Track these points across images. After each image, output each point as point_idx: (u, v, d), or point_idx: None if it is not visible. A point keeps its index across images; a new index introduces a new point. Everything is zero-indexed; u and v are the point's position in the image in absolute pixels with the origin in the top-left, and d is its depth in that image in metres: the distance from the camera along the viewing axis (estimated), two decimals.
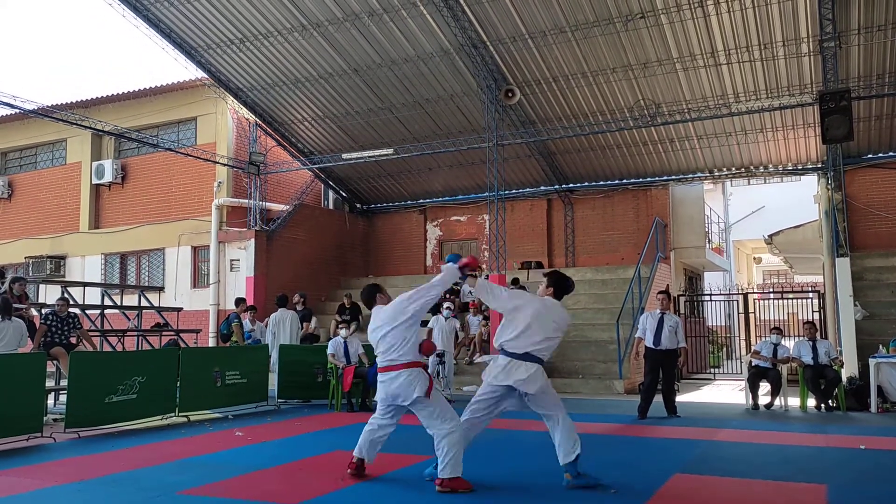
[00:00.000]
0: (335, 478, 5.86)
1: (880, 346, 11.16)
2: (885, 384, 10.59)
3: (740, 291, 18.84)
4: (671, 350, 9.79)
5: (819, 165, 15.94)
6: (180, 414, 9.48)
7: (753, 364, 11.19)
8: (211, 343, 16.86)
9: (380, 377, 5.65)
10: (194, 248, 18.54)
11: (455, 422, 5.48)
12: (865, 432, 8.53)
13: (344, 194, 20.83)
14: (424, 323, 15.30)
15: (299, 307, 14.14)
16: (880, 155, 15.55)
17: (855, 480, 5.73)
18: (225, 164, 17.67)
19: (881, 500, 5.11)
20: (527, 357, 5.42)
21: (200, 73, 16.45)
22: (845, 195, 15.06)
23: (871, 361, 10.59)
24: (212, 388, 10.03)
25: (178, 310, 15.21)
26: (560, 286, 5.78)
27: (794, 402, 11.03)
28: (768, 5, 12.13)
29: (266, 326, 12.93)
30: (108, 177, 19.35)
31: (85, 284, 15.07)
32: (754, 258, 29.87)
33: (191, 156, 17.05)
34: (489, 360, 5.72)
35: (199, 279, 18.52)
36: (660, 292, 10.33)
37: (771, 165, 16.76)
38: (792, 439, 7.94)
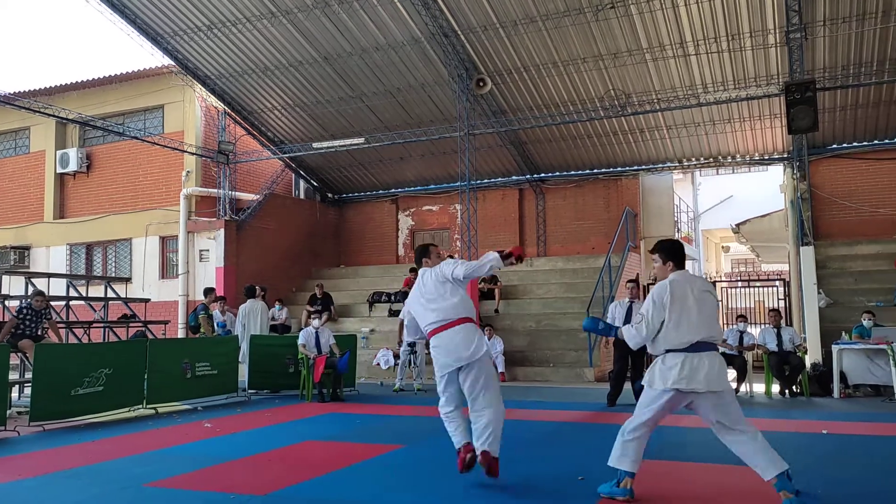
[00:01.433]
0: (305, 468, 5.84)
1: (843, 333, 11.40)
2: (848, 370, 10.82)
3: (709, 280, 19.09)
4: None
5: (785, 155, 16.20)
6: (148, 406, 9.38)
7: (720, 351, 11.35)
8: (180, 334, 16.67)
9: (433, 341, 5.25)
10: (162, 239, 18.28)
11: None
12: (828, 417, 8.73)
13: (315, 184, 20.68)
14: (395, 313, 15.33)
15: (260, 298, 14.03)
16: (844, 145, 15.84)
17: (817, 464, 5.86)
18: (193, 153, 17.42)
19: (842, 483, 5.23)
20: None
21: (167, 61, 16.17)
22: (810, 185, 15.33)
23: (835, 348, 10.82)
24: (181, 380, 9.92)
25: (146, 301, 15.01)
26: (674, 254, 4.78)
27: (759, 388, 11.24)
28: None
29: (237, 317, 12.83)
30: (72, 166, 18.99)
31: (50, 275, 14.76)
32: (723, 247, 30.28)
33: (158, 144, 16.78)
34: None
35: (167, 270, 18.29)
36: (629, 281, 10.42)
37: (738, 155, 16.98)
38: (757, 425, 8.00)
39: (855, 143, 15.73)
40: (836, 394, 10.67)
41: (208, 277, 17.01)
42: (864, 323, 10.99)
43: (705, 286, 4.70)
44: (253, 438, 7.45)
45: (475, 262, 5.30)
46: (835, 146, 15.88)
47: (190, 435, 7.68)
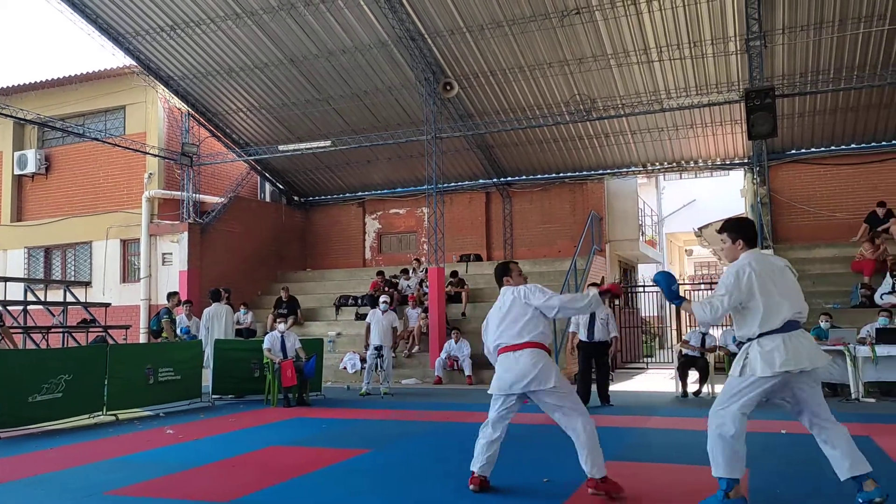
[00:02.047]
0: (270, 474, 5.78)
1: None
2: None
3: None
4: (603, 341, 10.02)
5: (746, 161, 16.53)
6: (108, 413, 9.20)
7: (683, 353, 11.55)
8: (142, 339, 16.38)
9: (499, 360, 5.04)
10: (124, 242, 17.96)
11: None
12: (787, 417, 8.83)
13: (281, 186, 20.51)
14: (362, 317, 15.27)
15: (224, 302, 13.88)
16: (802, 151, 16.22)
17: (776, 464, 5.97)
18: (156, 155, 17.15)
19: (801, 482, 5.34)
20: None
21: (129, 61, 15.92)
22: (770, 189, 15.67)
23: None
24: (143, 386, 9.75)
25: (107, 305, 14.74)
26: (744, 231, 4.45)
27: (721, 389, 11.42)
28: (697, 4, 12.48)
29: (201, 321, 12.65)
30: (31, 167, 18.55)
31: (6, 279, 14.43)
32: (686, 250, 30.77)
33: (119, 146, 16.47)
34: None
35: (128, 273, 17.97)
36: (590, 284, 10.49)
37: (701, 160, 17.28)
38: None
39: (813, 149, 16.11)
40: None
41: (171, 281, 16.74)
42: (822, 325, 11.24)
43: (784, 262, 4.42)
44: (216, 444, 7.35)
45: (569, 297, 5.02)
46: (793, 151, 16.25)
47: (152, 441, 7.55)
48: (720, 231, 4.54)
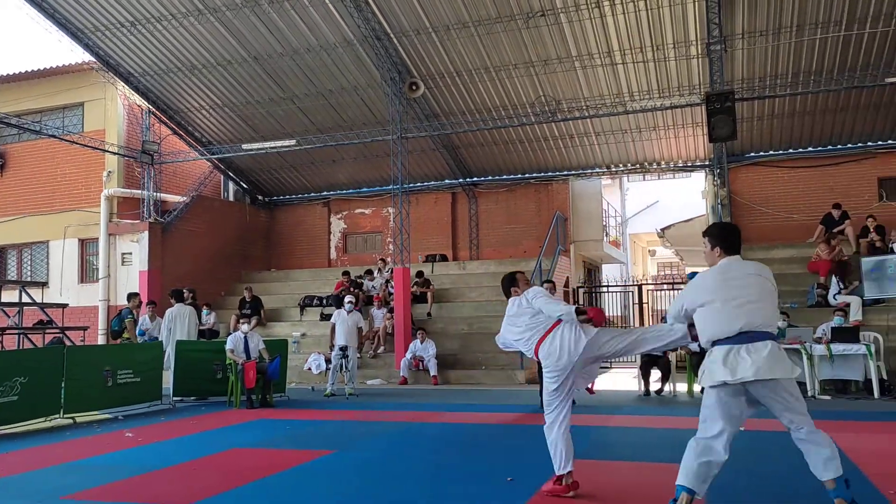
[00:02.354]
0: (231, 477, 5.71)
1: None
2: None
3: (635, 283, 19.62)
4: None
5: (707, 163, 16.81)
6: (66, 416, 8.99)
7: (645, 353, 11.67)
8: (100, 341, 16.06)
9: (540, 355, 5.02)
10: (82, 241, 17.59)
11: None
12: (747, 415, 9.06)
13: (245, 186, 20.28)
14: (326, 317, 15.17)
15: (188, 302, 13.69)
16: (761, 154, 16.56)
17: (735, 460, 6.08)
18: (115, 153, 16.82)
19: (759, 477, 5.45)
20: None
21: (88, 57, 15.59)
22: (730, 191, 15.98)
23: None
24: (101, 388, 9.55)
25: (64, 306, 14.40)
26: (722, 238, 4.31)
27: (682, 387, 11.60)
28: (660, 8, 12.66)
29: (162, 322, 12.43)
30: None
31: None
32: (649, 251, 31.17)
33: (77, 143, 16.11)
34: None
35: (87, 274, 17.59)
36: (544, 281, 10.30)
37: (663, 162, 17.53)
38: (680, 423, 8.33)
39: (771, 152, 16.47)
40: None
41: (131, 282, 16.44)
42: (780, 324, 11.47)
43: (757, 270, 4.19)
44: (177, 447, 7.23)
45: (553, 302, 5.03)
46: (752, 154, 16.58)
47: (110, 445, 7.40)
48: (703, 235, 4.45)
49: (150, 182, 16.97)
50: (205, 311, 15.19)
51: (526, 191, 18.76)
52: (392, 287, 15.72)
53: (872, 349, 10.50)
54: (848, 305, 12.18)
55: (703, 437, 4.08)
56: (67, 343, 12.39)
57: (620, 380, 14.22)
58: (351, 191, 20.09)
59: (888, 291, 10.73)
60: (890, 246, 13.38)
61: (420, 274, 16.67)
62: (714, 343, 4.05)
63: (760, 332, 3.99)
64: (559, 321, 4.88)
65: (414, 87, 14.74)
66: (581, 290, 18.31)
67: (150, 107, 17.02)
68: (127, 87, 16.37)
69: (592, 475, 5.50)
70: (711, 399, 4.05)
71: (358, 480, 5.61)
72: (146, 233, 16.60)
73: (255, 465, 6.25)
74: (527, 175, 18.44)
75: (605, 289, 19.78)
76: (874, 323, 11.94)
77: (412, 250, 16.05)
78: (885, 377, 10.66)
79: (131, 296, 12.70)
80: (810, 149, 16.23)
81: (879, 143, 15.70)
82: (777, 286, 4.25)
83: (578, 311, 4.90)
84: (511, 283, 5.37)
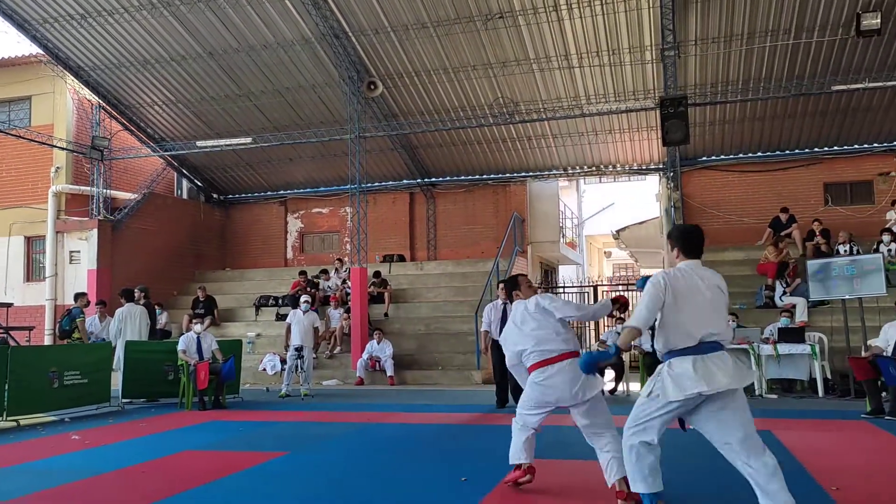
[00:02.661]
0: (181, 480, 5.60)
1: None
2: None
3: (591, 284, 19.85)
4: None
5: (660, 166, 17.12)
6: (9, 418, 8.71)
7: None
8: (47, 341, 15.60)
9: (532, 376, 4.94)
10: (28, 239, 17.08)
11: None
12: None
13: (199, 183, 19.93)
14: (282, 317, 15.00)
15: (141, 302, 13.38)
16: (713, 158, 16.92)
17: (683, 458, 6.20)
18: (63, 148, 16.37)
19: (706, 474, 5.55)
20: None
21: (36, 49, 15.14)
22: (682, 194, 16.30)
23: None
24: (47, 390, 9.27)
25: (8, 305, 13.96)
26: (682, 241, 4.23)
27: (635, 387, 11.79)
28: (616, 14, 12.85)
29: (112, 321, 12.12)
30: None
31: None
32: (605, 252, 31.59)
33: (23, 138, 15.61)
34: None
35: (33, 272, 17.08)
36: (500, 281, 10.22)
37: (619, 165, 17.78)
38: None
39: (723, 156, 16.84)
40: None
41: (79, 281, 16.00)
42: (729, 324, 11.74)
43: (712, 278, 4.10)
44: (125, 450, 7.06)
45: (575, 305, 4.90)
46: (704, 158, 16.93)
47: (56, 448, 7.20)
48: (667, 237, 4.38)
49: (99, 178, 16.56)
50: (156, 310, 14.86)
51: (484, 192, 18.83)
52: (349, 287, 15.63)
53: (817, 349, 10.83)
54: (794, 307, 12.53)
55: (643, 441, 4.08)
56: (12, 343, 12.01)
57: None
58: (308, 190, 19.91)
59: (832, 293, 11.04)
60: (835, 249, 13.82)
61: (377, 274, 16.61)
62: (672, 353, 3.95)
63: (719, 343, 3.95)
64: (568, 353, 4.80)
65: (372, 87, 14.68)
66: (538, 291, 18.43)
67: (101, 101, 16.61)
68: (77, 80, 15.95)
69: (547, 474, 5.54)
70: (661, 409, 3.99)
71: (311, 482, 5.56)
72: (95, 231, 16.18)
73: (207, 467, 6.14)
74: (485, 176, 18.52)
75: (561, 290, 19.96)
76: (819, 324, 12.30)
77: (370, 250, 15.99)
78: (829, 376, 11.00)
79: (79, 295, 12.37)
80: (760, 154, 16.66)
81: (826, 149, 16.19)
82: (727, 288, 4.31)
83: (613, 301, 4.94)
84: (513, 287, 5.36)
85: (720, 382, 3.82)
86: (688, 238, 4.21)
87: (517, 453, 5.09)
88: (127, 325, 11.86)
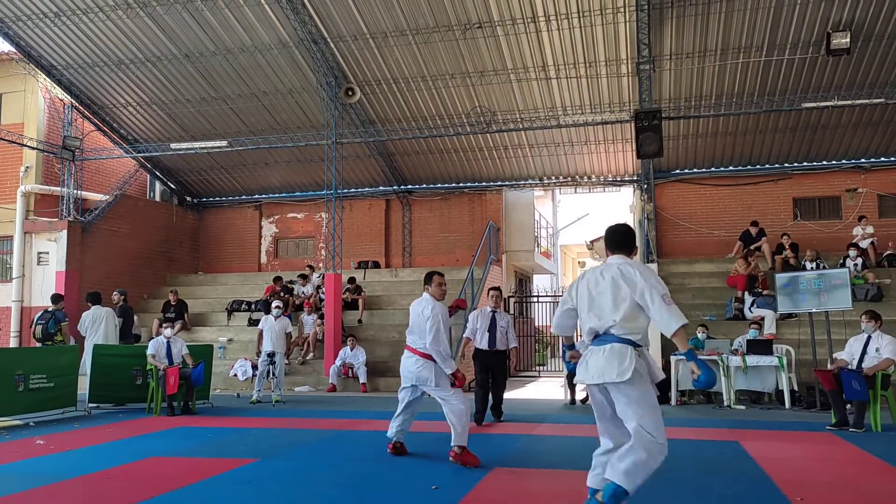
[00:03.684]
0: (148, 486, 5.52)
1: None
2: (682, 379, 11.63)
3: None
4: (502, 351, 9.38)
5: (634, 178, 17.31)
6: None
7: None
8: (12, 343, 15.31)
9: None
10: None
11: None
12: (665, 423, 9.33)
13: (172, 186, 19.72)
14: (255, 323, 14.88)
15: (119, 305, 13.20)
16: (686, 171, 17.16)
17: (665, 471, 6.26)
18: (34, 148, 16.10)
19: (674, 483, 5.61)
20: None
21: (8, 47, 14.92)
22: (656, 206, 16.48)
23: (672, 359, 11.63)
24: (12, 393, 9.09)
25: None
26: (607, 237, 4.47)
27: None
28: (593, 27, 12.99)
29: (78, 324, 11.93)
30: None
31: None
32: (579, 262, 31.84)
33: None
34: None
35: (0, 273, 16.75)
36: (492, 288, 9.99)
37: (594, 176, 17.95)
38: (596, 432, 8.52)
39: (695, 170, 17.09)
40: (673, 402, 11.45)
41: (47, 282, 15.74)
42: (699, 336, 11.89)
43: (625, 271, 4.19)
44: (91, 455, 6.94)
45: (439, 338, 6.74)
46: (678, 171, 17.16)
47: (19, 453, 7.05)
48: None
49: (70, 179, 16.32)
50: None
51: (460, 200, 18.88)
52: (323, 293, 15.55)
53: (784, 361, 11.01)
54: (763, 319, 12.73)
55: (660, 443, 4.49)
56: None
57: (548, 389, 14.45)
58: (283, 194, 19.80)
59: (800, 306, 11.24)
60: (802, 263, 14.07)
61: (352, 280, 16.55)
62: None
63: (607, 335, 4.23)
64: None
65: (350, 93, 14.66)
66: (512, 300, 18.52)
67: (73, 101, 16.39)
68: (49, 79, 15.72)
69: (516, 482, 5.56)
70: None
71: (281, 489, 5.51)
72: (65, 232, 15.94)
73: (174, 473, 6.07)
74: (461, 184, 18.57)
75: (535, 299, 20.07)
76: (787, 336, 12.51)
77: (344, 256, 15.93)
78: (795, 388, 11.18)
79: (57, 297, 12.08)
80: (731, 168, 16.93)
81: (795, 164, 16.51)
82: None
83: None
84: (426, 282, 6.58)
85: (585, 376, 4.32)
86: (609, 236, 4.48)
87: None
88: (94, 328, 11.67)
